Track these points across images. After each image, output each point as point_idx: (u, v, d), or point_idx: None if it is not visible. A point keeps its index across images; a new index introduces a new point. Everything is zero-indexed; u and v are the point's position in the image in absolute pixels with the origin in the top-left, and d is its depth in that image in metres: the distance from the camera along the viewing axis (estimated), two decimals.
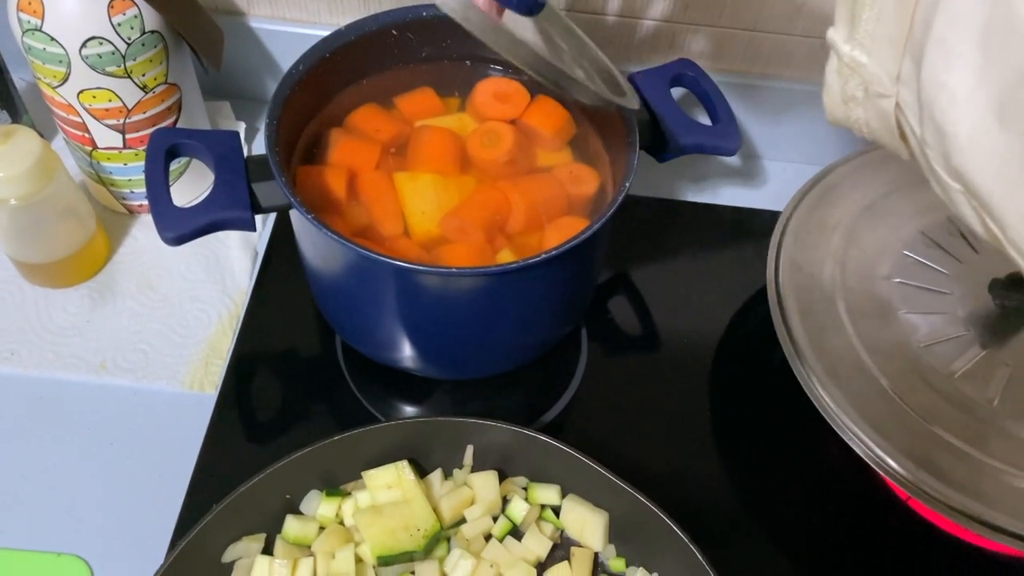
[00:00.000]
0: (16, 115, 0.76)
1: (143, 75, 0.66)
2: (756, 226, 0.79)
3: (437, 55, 0.66)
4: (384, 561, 0.54)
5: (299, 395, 0.66)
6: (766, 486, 0.64)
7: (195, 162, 0.73)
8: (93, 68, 0.63)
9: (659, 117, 0.64)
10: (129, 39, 0.63)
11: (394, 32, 0.64)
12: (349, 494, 0.58)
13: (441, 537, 0.56)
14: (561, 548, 0.58)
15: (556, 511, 0.58)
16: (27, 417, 0.64)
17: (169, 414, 0.65)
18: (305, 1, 0.78)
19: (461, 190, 0.60)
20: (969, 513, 0.53)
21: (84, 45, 0.62)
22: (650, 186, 0.81)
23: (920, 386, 0.59)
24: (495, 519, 0.58)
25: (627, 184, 0.55)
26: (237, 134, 0.58)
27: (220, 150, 0.57)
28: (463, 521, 0.57)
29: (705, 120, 0.67)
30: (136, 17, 0.63)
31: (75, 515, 0.60)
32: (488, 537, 0.57)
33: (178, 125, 0.72)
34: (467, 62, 0.66)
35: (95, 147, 0.69)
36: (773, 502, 0.64)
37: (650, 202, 0.81)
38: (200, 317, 0.70)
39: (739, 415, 0.68)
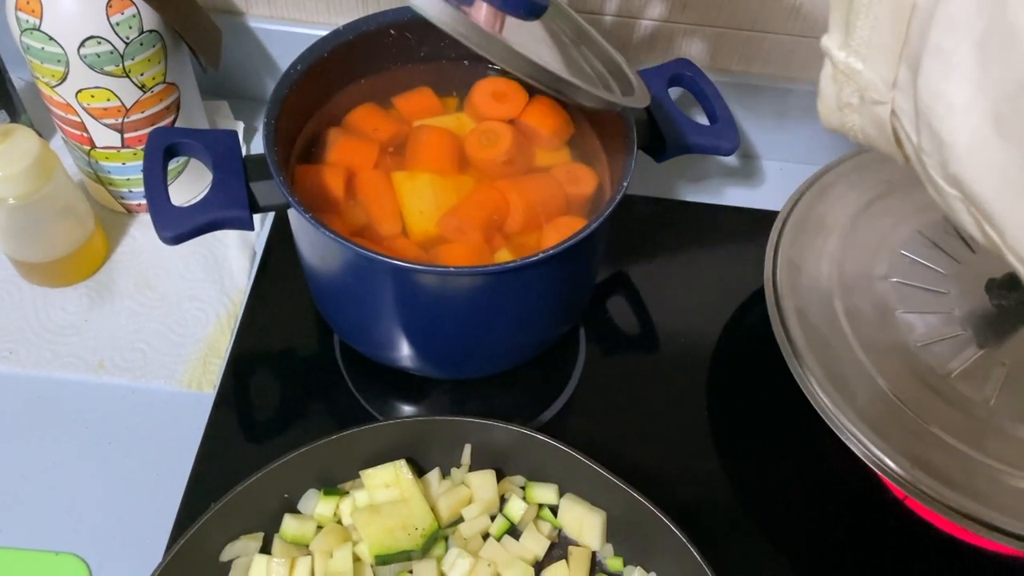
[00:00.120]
0: (14, 114, 0.76)
1: (141, 74, 0.66)
2: (754, 226, 0.79)
3: (435, 55, 0.67)
4: (382, 560, 0.54)
5: (297, 394, 0.66)
6: (763, 485, 0.64)
7: (193, 161, 0.73)
8: (91, 67, 0.63)
9: (657, 117, 0.64)
10: (127, 38, 0.63)
11: (392, 32, 0.64)
12: (347, 493, 0.58)
13: (439, 536, 0.56)
14: (559, 547, 0.58)
15: (554, 510, 0.58)
16: (25, 416, 0.64)
17: (167, 413, 0.65)
18: (303, 1, 0.78)
19: (459, 190, 0.60)
20: (966, 512, 0.53)
21: (82, 44, 0.62)
22: (648, 186, 0.81)
23: (917, 385, 0.59)
24: (493, 518, 0.58)
25: (625, 184, 0.55)
26: (235, 133, 0.58)
27: (218, 149, 0.57)
28: (461, 520, 0.57)
29: (703, 120, 0.67)
30: (134, 16, 0.63)
31: (73, 514, 0.60)
32: (486, 536, 0.57)
33: (176, 124, 0.72)
34: (465, 62, 0.66)
35: (93, 146, 0.69)
36: (770, 501, 0.64)
37: (648, 202, 0.81)
38: (198, 316, 0.70)
39: (737, 414, 0.68)
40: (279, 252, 0.74)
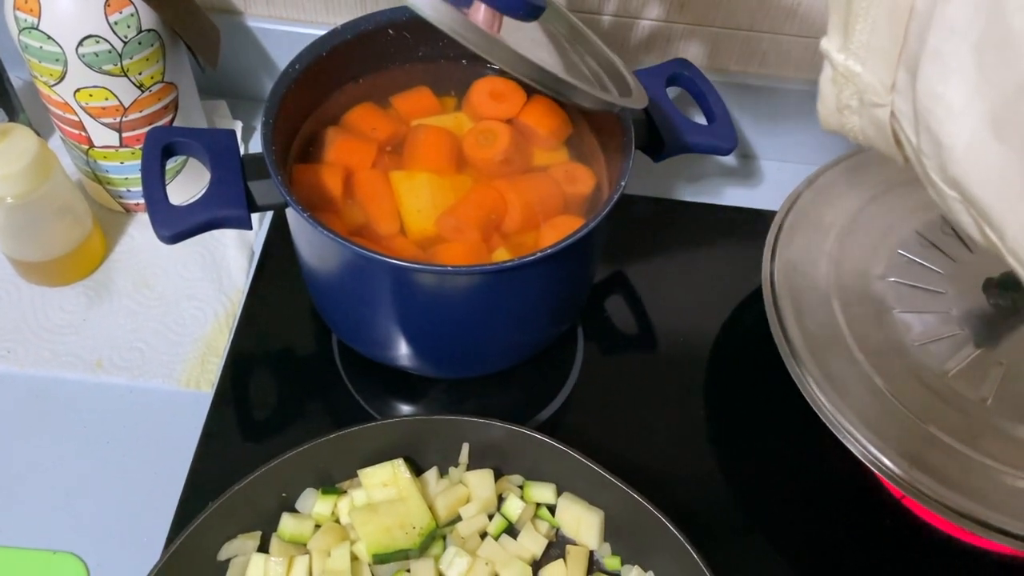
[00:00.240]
0: (13, 114, 0.76)
1: (140, 74, 0.66)
2: (752, 225, 0.79)
3: (433, 54, 0.67)
4: (380, 559, 0.54)
5: (295, 393, 0.66)
6: (761, 484, 0.64)
7: (192, 161, 0.73)
8: (90, 67, 0.63)
9: (655, 117, 0.64)
10: (126, 38, 0.63)
11: (390, 31, 0.64)
12: (345, 492, 0.58)
13: (437, 535, 0.56)
14: (556, 546, 0.58)
15: (552, 509, 0.58)
16: (23, 415, 0.64)
17: (165, 412, 0.65)
18: (302, 0, 0.78)
19: (457, 189, 0.61)
20: (963, 512, 0.53)
21: (81, 44, 0.62)
22: (646, 185, 0.81)
23: (914, 385, 0.59)
24: (491, 517, 0.58)
25: (623, 183, 0.55)
26: (233, 132, 0.58)
27: (216, 148, 0.57)
28: (459, 519, 0.58)
29: (701, 120, 0.67)
30: (133, 16, 0.63)
31: (71, 513, 0.60)
32: (484, 535, 0.57)
33: (175, 124, 0.72)
34: (463, 61, 0.66)
35: (92, 145, 0.69)
36: (768, 500, 0.64)
37: (646, 201, 0.81)
38: (196, 315, 0.70)
39: (734, 414, 0.68)
40: (277, 251, 0.74)
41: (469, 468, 0.59)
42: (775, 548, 0.61)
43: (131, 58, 0.65)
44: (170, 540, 0.58)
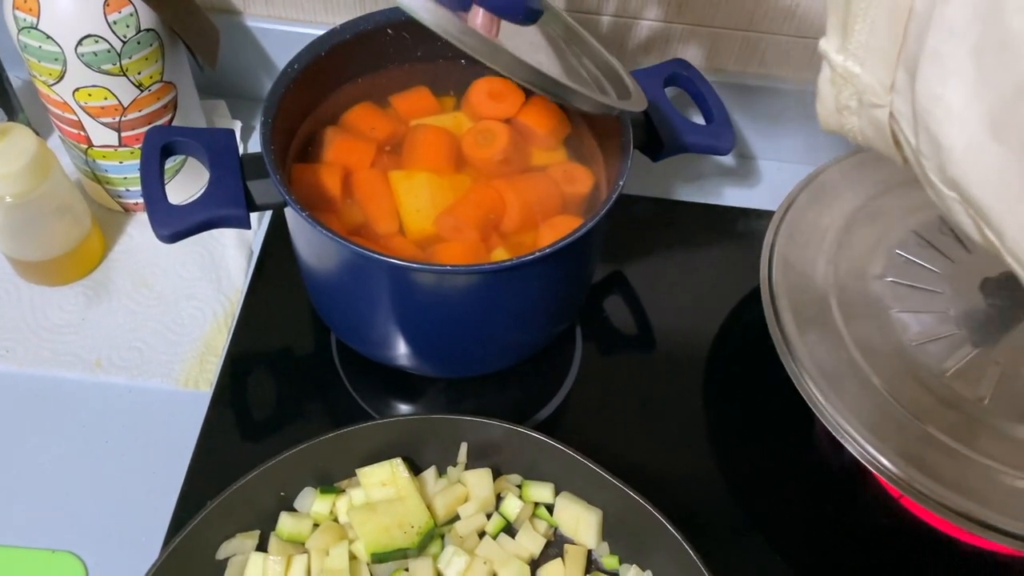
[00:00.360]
0: (12, 113, 0.76)
1: (139, 73, 0.66)
2: (750, 225, 0.79)
3: (432, 54, 0.67)
4: (378, 558, 0.54)
5: (294, 393, 0.66)
6: (759, 484, 0.64)
7: (190, 160, 0.73)
8: (89, 66, 0.63)
9: (653, 117, 0.64)
10: (125, 37, 0.63)
11: (389, 31, 0.64)
12: (343, 491, 0.58)
13: (435, 534, 0.56)
14: (555, 545, 0.58)
15: (550, 508, 0.59)
16: (22, 414, 0.64)
17: (164, 412, 0.65)
18: (301, 0, 0.78)
19: (456, 189, 0.61)
20: (961, 511, 0.53)
21: (80, 43, 0.62)
22: (644, 185, 0.81)
23: (912, 385, 0.59)
24: (489, 516, 0.58)
25: (621, 183, 0.55)
26: (232, 132, 0.58)
27: (215, 148, 0.57)
28: (457, 518, 0.58)
29: (699, 120, 0.67)
30: (132, 15, 0.63)
31: (70, 512, 0.60)
32: (482, 534, 0.57)
33: (174, 123, 0.72)
34: (462, 61, 0.66)
35: (91, 145, 0.69)
36: (766, 500, 0.64)
37: (644, 201, 0.81)
38: (195, 315, 0.70)
39: (732, 414, 0.68)
40: (276, 251, 0.74)
41: (467, 467, 0.59)
42: (773, 547, 0.62)
43: (130, 57, 0.65)
44: (168, 539, 0.58)
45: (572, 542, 0.58)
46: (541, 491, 0.58)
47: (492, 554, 0.56)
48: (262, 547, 0.56)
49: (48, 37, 0.62)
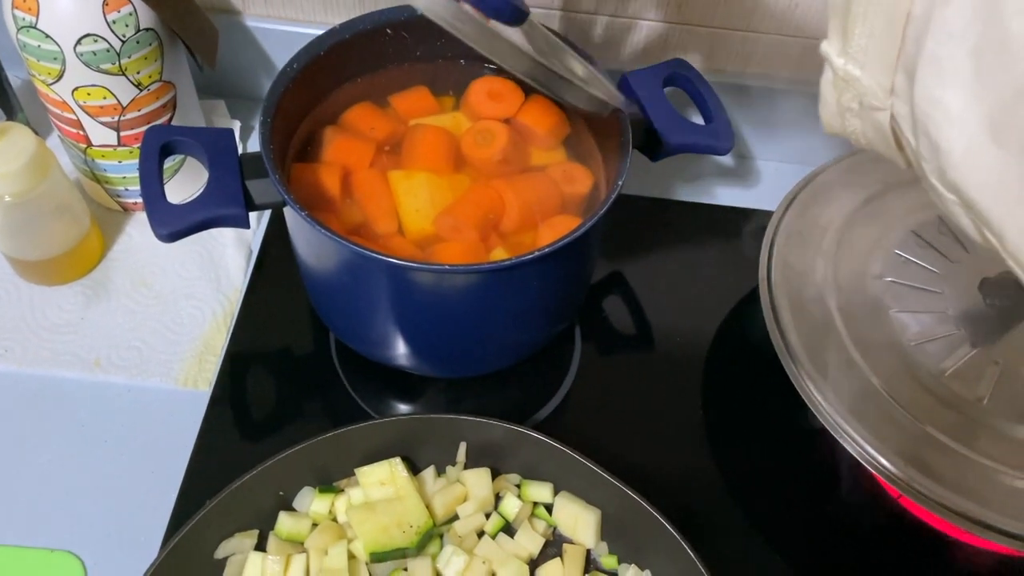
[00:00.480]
0: (11, 112, 0.76)
1: (138, 72, 0.66)
2: (749, 226, 0.79)
3: (432, 54, 0.67)
4: (377, 558, 0.54)
5: (293, 392, 0.66)
6: (758, 484, 0.64)
7: (190, 160, 0.73)
8: (88, 65, 0.63)
9: (652, 117, 0.64)
10: (124, 36, 0.63)
11: (388, 31, 0.64)
12: (342, 491, 0.58)
13: (434, 534, 0.56)
14: (553, 545, 0.58)
15: (549, 508, 0.59)
16: (21, 414, 0.64)
17: (163, 411, 0.65)
18: (300, 0, 0.78)
19: (455, 188, 0.61)
20: (960, 511, 0.53)
21: (79, 42, 0.62)
22: (644, 185, 0.81)
23: (911, 384, 0.59)
24: (488, 516, 0.58)
25: (620, 183, 0.55)
26: (231, 131, 0.58)
27: (214, 147, 0.57)
28: (456, 518, 0.58)
29: (698, 120, 0.67)
30: (131, 15, 0.63)
31: (69, 511, 0.60)
32: (481, 534, 0.57)
33: (173, 123, 0.72)
34: (461, 61, 0.67)
35: (90, 144, 0.69)
36: (765, 499, 0.64)
37: (644, 201, 0.81)
38: (194, 314, 0.70)
39: (732, 414, 0.68)
40: (275, 251, 0.74)
41: (466, 467, 0.59)
42: (772, 547, 0.62)
43: (129, 57, 0.65)
44: (167, 538, 0.58)
45: (571, 542, 0.58)
46: (540, 491, 0.58)
47: (491, 554, 0.56)
48: (261, 546, 0.56)
49: (47, 36, 0.62)
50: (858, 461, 0.56)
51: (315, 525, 0.57)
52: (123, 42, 0.64)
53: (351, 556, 0.55)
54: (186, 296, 0.71)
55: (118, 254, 0.73)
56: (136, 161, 0.70)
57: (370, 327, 0.61)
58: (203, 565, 0.54)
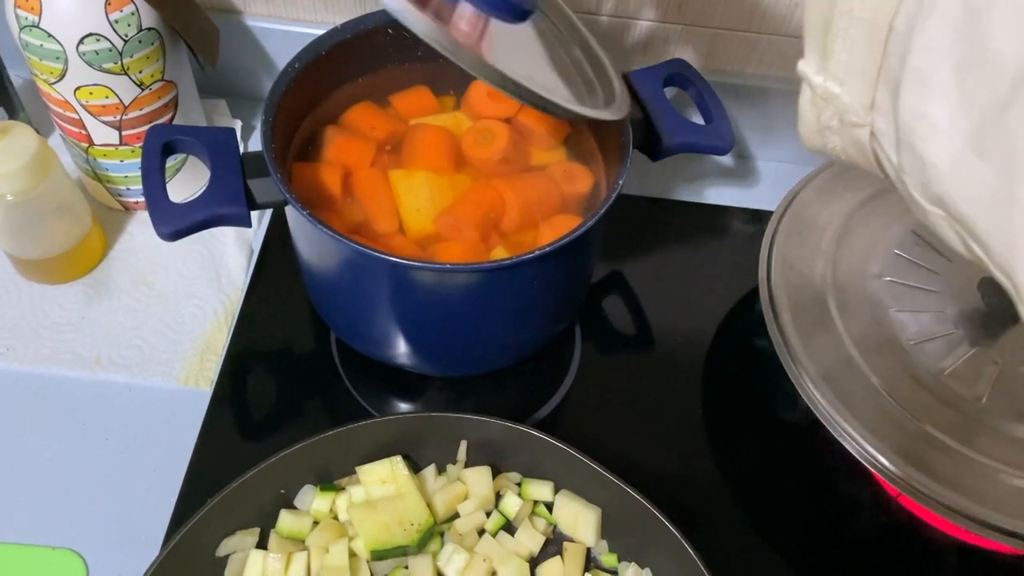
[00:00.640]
0: (13, 111, 0.76)
1: (140, 72, 0.66)
2: (749, 226, 0.80)
3: (432, 53, 0.65)
4: (378, 555, 0.55)
5: (294, 391, 0.67)
6: (758, 482, 0.65)
7: (191, 160, 0.73)
8: (90, 65, 0.64)
9: (653, 116, 0.64)
10: (126, 36, 0.64)
11: (390, 31, 0.64)
12: (343, 489, 0.58)
13: (435, 532, 0.56)
14: (554, 543, 0.58)
15: (549, 507, 0.59)
16: (23, 412, 0.64)
17: (164, 410, 0.65)
18: (301, 0, 0.78)
19: (456, 188, 0.61)
20: (959, 510, 0.54)
21: (81, 42, 0.62)
22: (644, 185, 0.81)
23: (910, 384, 0.59)
24: (488, 514, 0.58)
25: (620, 182, 0.56)
26: (233, 130, 0.59)
27: (216, 146, 0.57)
28: (456, 516, 0.58)
29: (698, 120, 0.68)
30: (133, 14, 0.63)
31: (70, 510, 0.60)
32: (481, 532, 0.57)
33: (174, 122, 0.72)
34: None
35: (91, 143, 0.69)
36: (765, 498, 0.64)
37: (644, 201, 0.81)
38: (195, 313, 0.70)
39: (731, 413, 0.68)
40: (276, 250, 0.74)
41: (467, 465, 0.59)
42: (771, 545, 0.62)
43: (131, 56, 0.65)
44: (169, 536, 0.58)
45: (571, 540, 0.58)
46: (540, 489, 0.59)
47: (491, 552, 0.56)
48: (262, 544, 0.56)
49: (49, 36, 0.62)
50: (857, 459, 0.56)
51: (316, 523, 0.57)
52: (125, 41, 0.64)
53: (352, 554, 0.55)
54: (187, 295, 0.71)
55: (119, 253, 0.74)
56: (137, 160, 0.70)
57: (371, 326, 0.61)
58: (204, 563, 0.54)
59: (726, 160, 0.86)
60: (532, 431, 0.57)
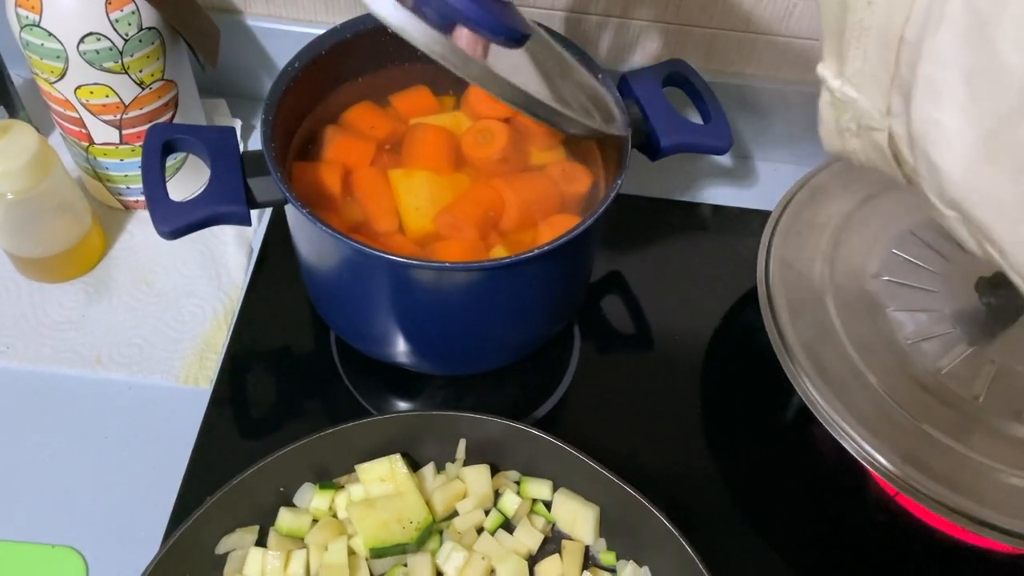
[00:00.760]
0: (13, 111, 0.76)
1: (140, 71, 0.66)
2: (747, 225, 0.80)
3: None
4: (377, 553, 0.55)
5: (293, 390, 0.67)
6: (756, 481, 0.65)
7: (191, 159, 0.73)
8: (90, 64, 0.64)
9: (651, 116, 0.64)
10: (127, 35, 0.64)
11: (390, 31, 0.64)
12: (342, 487, 0.58)
13: (433, 530, 0.57)
14: (552, 541, 0.58)
15: (548, 505, 0.59)
16: (23, 411, 0.65)
17: (164, 408, 0.65)
18: None
19: (455, 187, 0.61)
20: (956, 508, 0.54)
21: (82, 41, 0.62)
22: (642, 185, 0.81)
23: (908, 383, 0.59)
24: (487, 512, 0.58)
25: (619, 182, 0.56)
26: (233, 129, 0.59)
27: (216, 145, 0.58)
28: (455, 514, 0.58)
29: (697, 120, 0.68)
30: (134, 14, 0.64)
31: (70, 507, 0.60)
32: (480, 530, 0.58)
33: (175, 121, 0.72)
34: None
35: (92, 143, 0.70)
36: (763, 497, 0.64)
37: (642, 201, 0.81)
38: (195, 312, 0.70)
39: (730, 412, 0.68)
40: (276, 249, 0.75)
41: (466, 464, 0.59)
42: (770, 544, 0.62)
43: (132, 56, 0.65)
44: (168, 534, 0.58)
45: (570, 538, 0.58)
46: (539, 487, 0.59)
47: (490, 550, 0.56)
48: (261, 542, 0.56)
49: (50, 35, 0.62)
50: (855, 458, 0.56)
51: (315, 521, 0.57)
52: (126, 41, 0.64)
53: (351, 552, 0.55)
54: (187, 294, 0.71)
55: (119, 252, 0.74)
56: (138, 159, 0.70)
57: (370, 325, 0.61)
58: (204, 560, 0.54)
59: (725, 160, 0.86)
60: (531, 429, 0.57)
